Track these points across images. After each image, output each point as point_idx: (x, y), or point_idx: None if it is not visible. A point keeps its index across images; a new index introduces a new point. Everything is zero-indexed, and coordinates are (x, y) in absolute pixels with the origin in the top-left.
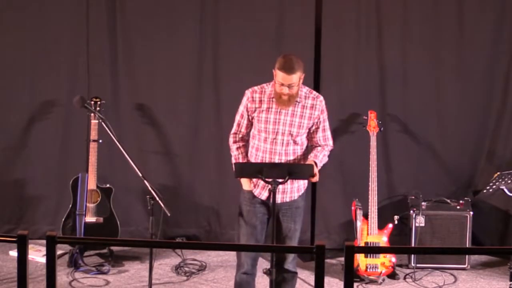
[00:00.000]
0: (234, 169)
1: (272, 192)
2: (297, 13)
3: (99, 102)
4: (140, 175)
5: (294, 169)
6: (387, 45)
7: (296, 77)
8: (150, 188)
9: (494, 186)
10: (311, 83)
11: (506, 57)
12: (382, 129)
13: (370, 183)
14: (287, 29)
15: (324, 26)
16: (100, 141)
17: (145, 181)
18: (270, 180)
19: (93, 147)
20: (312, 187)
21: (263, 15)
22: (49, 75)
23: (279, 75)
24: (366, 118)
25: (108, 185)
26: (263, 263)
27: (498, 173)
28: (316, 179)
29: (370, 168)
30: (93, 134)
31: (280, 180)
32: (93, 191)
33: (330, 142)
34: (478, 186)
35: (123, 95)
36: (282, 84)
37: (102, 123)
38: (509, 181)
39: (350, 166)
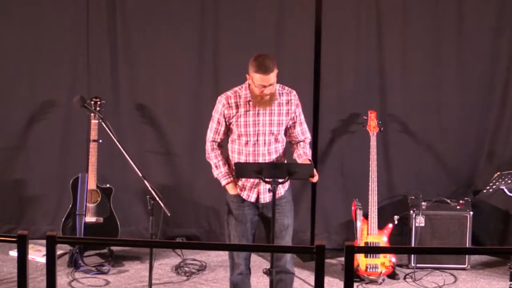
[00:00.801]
0: (215, 171)
1: (273, 192)
2: (297, 13)
3: (99, 102)
4: (140, 175)
5: (294, 169)
6: (387, 45)
7: (274, 75)
8: (150, 188)
9: (494, 186)
10: (311, 83)
11: (506, 57)
12: (382, 129)
13: (370, 183)
14: (287, 29)
15: (324, 26)
16: (100, 141)
17: (145, 181)
18: (269, 180)
19: (93, 147)
20: (312, 187)
21: (263, 15)
22: (49, 75)
23: (256, 77)
24: (366, 118)
25: (108, 185)
26: (263, 263)
27: (498, 173)
28: (316, 179)
29: (370, 168)
30: (93, 134)
31: (280, 180)
32: (93, 191)
33: (308, 134)
34: (478, 186)
35: (123, 95)
36: (263, 86)
37: (102, 123)
38: (509, 181)
39: (350, 166)
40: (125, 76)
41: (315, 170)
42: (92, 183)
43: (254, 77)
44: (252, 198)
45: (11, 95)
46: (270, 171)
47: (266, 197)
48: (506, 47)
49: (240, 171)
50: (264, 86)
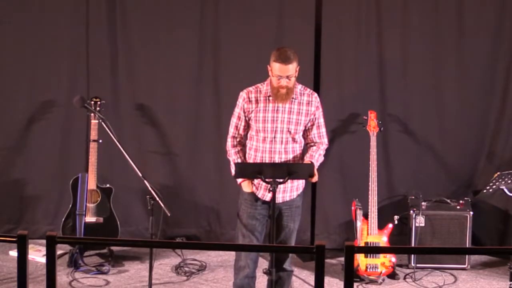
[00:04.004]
0: (234, 170)
1: (272, 192)
2: (297, 13)
3: (99, 102)
4: (140, 175)
5: (293, 169)
6: (387, 45)
7: (293, 68)
8: (150, 188)
9: (494, 186)
10: (311, 83)
11: (506, 57)
12: (382, 129)
13: (370, 183)
14: (287, 29)
15: (324, 26)
16: (100, 141)
17: (145, 181)
18: (269, 180)
19: (93, 147)
20: (312, 187)
21: (263, 15)
22: (49, 75)
23: (275, 67)
24: (366, 118)
25: (108, 185)
26: (263, 263)
27: (498, 173)
28: (315, 179)
29: (370, 168)
30: (93, 134)
31: (280, 180)
32: (93, 191)
33: (325, 140)
34: (478, 186)
35: (123, 95)
36: (280, 77)
37: (102, 123)
38: (509, 181)
39: (350, 166)
40: (125, 76)
41: (315, 170)
42: (92, 183)
43: (273, 67)
44: (267, 197)
45: (11, 95)
46: (270, 171)
47: (278, 197)
48: (506, 47)
49: (239, 171)
50: (281, 77)
